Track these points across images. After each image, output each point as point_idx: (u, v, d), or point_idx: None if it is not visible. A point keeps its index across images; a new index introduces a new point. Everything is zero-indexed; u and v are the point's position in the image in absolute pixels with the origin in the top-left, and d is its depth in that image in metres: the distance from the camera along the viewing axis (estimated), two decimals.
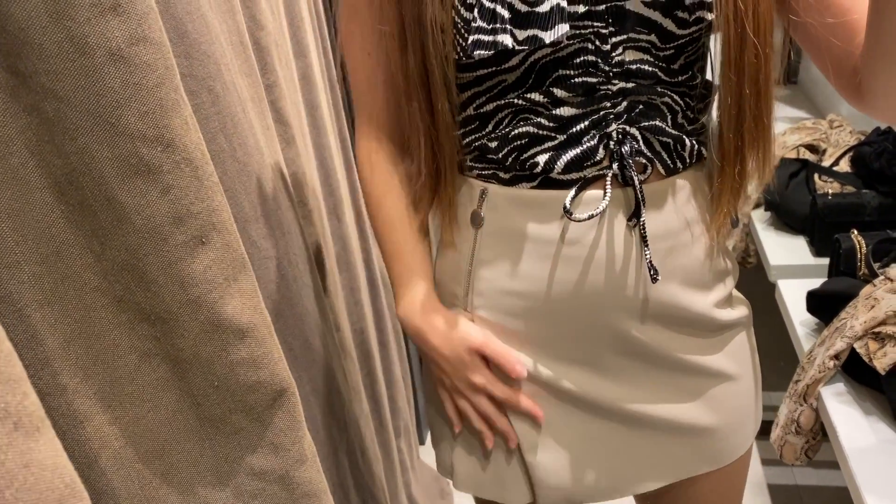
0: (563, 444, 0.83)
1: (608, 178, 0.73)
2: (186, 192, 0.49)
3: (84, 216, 0.49)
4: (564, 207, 0.72)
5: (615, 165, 0.72)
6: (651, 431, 0.84)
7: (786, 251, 1.61)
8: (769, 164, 0.79)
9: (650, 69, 0.72)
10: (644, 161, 0.74)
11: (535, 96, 0.72)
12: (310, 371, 0.99)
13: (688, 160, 0.78)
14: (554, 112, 0.72)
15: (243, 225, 0.79)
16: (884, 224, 1.56)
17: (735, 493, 0.98)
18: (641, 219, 0.73)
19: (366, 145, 0.85)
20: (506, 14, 0.67)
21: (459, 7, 0.68)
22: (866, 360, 1.24)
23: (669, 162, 0.76)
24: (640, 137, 0.73)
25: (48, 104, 0.45)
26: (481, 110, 0.76)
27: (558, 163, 0.73)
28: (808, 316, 1.47)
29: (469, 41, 0.67)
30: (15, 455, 0.34)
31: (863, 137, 1.71)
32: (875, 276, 1.39)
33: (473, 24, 0.67)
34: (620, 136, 0.72)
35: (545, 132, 0.73)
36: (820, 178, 1.66)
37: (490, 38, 0.67)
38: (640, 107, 0.73)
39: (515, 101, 0.73)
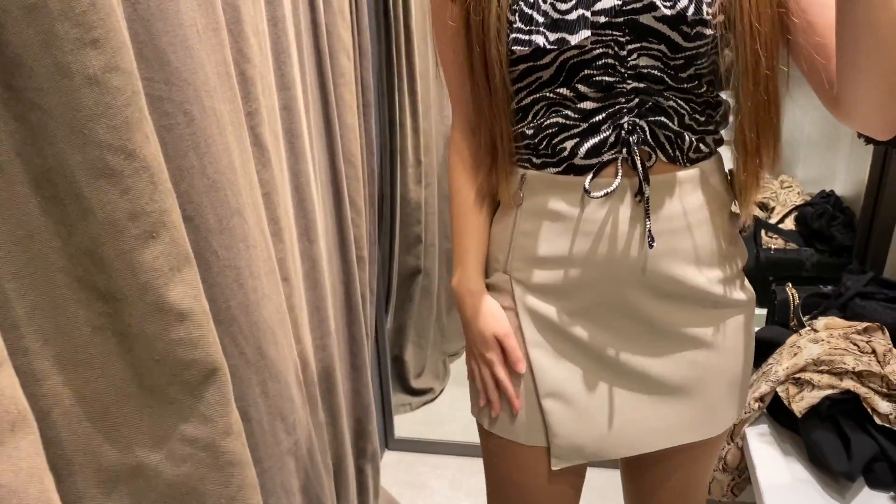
0: (577, 398, 0.97)
1: (619, 162, 0.87)
2: (142, 193, 0.60)
3: (56, 207, 0.59)
4: (584, 187, 0.88)
5: (625, 151, 0.87)
6: (650, 395, 0.98)
7: None
8: (779, 154, 0.93)
9: (659, 74, 0.86)
10: (648, 149, 0.88)
11: (564, 91, 0.87)
12: (260, 375, 1.08)
13: (687, 153, 0.92)
14: (578, 105, 0.87)
15: (206, 235, 0.90)
16: (820, 280, 1.66)
17: (707, 470, 1.13)
18: (646, 195, 0.87)
19: (454, 142, 1.03)
20: (540, 19, 0.84)
21: (506, 11, 0.85)
22: (786, 404, 1.34)
23: (671, 152, 0.90)
24: (647, 129, 0.87)
25: (33, 115, 0.57)
26: (522, 103, 0.92)
27: (581, 149, 0.88)
28: None
29: (509, 39, 0.84)
30: None
31: (808, 198, 1.83)
32: (802, 326, 1.50)
33: (514, 26, 0.84)
34: (630, 127, 0.87)
35: (571, 122, 0.88)
36: (766, 233, 1.77)
37: (526, 37, 0.84)
38: (650, 104, 0.87)
39: (548, 94, 0.89)
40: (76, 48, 0.55)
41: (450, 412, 2.34)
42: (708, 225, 0.93)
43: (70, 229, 0.60)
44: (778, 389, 1.37)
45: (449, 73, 0.99)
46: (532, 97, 0.91)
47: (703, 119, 0.92)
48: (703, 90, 0.91)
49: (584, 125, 0.88)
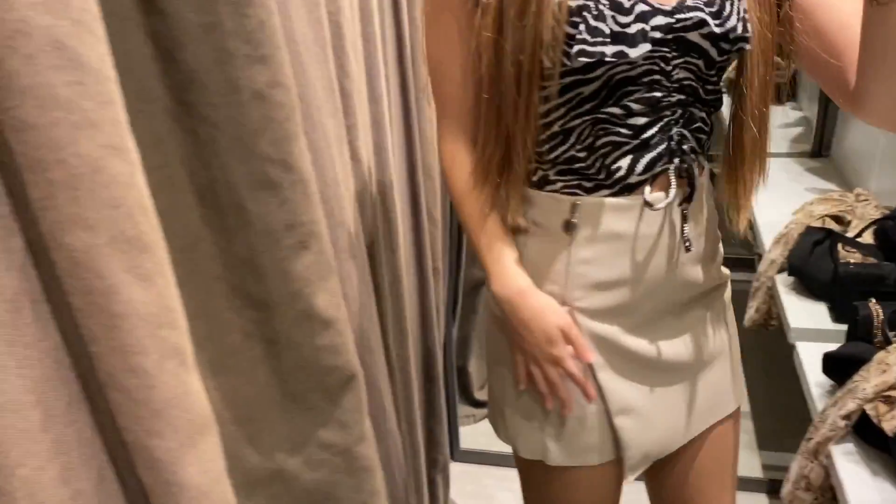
0: (641, 408, 1.01)
1: (670, 173, 0.90)
2: (298, 205, 0.62)
3: (217, 217, 0.62)
4: (645, 201, 0.90)
5: (676, 160, 0.90)
6: (690, 382, 1.04)
7: (807, 315, 1.68)
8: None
9: (694, 86, 0.89)
10: (694, 157, 0.93)
11: (614, 110, 0.87)
12: None
13: (708, 159, 0.98)
14: (628, 122, 0.88)
15: None
16: None
17: (735, 448, 1.20)
18: (693, 202, 0.92)
19: (451, 147, 0.98)
20: (606, 30, 0.83)
21: (564, 24, 0.82)
22: (875, 422, 1.31)
23: (705, 159, 0.97)
24: (691, 138, 0.91)
25: (203, 128, 0.59)
26: (567, 126, 0.90)
27: (638, 165, 0.90)
28: (824, 378, 1.54)
29: (574, 51, 0.82)
30: (179, 383, 0.46)
31: (887, 212, 1.80)
32: (889, 342, 1.47)
33: (578, 37, 0.82)
34: (679, 138, 0.90)
35: (623, 139, 0.89)
36: (843, 247, 1.74)
37: (592, 48, 0.82)
38: (688, 115, 0.91)
39: (595, 114, 0.88)
40: (246, 64, 0.57)
41: None
42: (713, 221, 1.02)
43: (229, 239, 0.62)
44: (866, 407, 1.35)
45: (448, 77, 0.94)
46: (580, 118, 0.89)
47: (712, 126, 0.98)
48: (717, 100, 0.95)
49: (636, 141, 0.89)
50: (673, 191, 0.91)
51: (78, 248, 0.41)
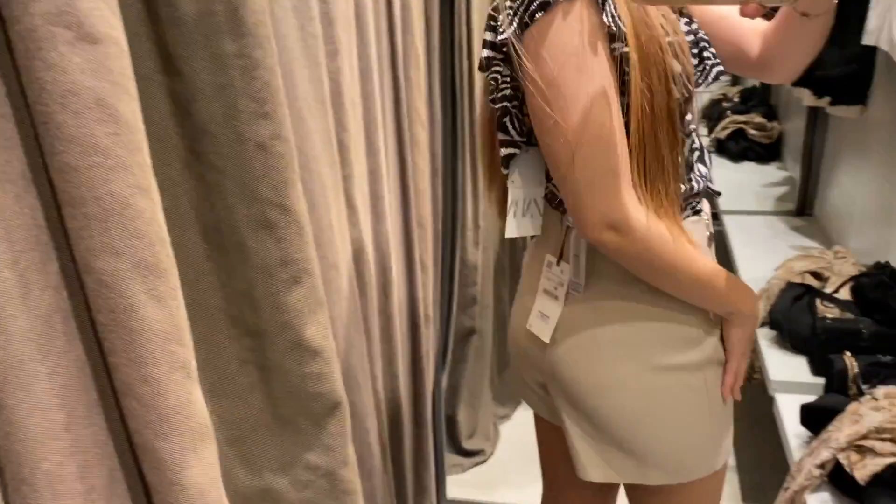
0: None
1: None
2: (292, 243, 0.70)
3: (220, 254, 0.69)
4: (717, 192, 1.10)
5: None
6: None
7: (786, 368, 1.73)
8: None
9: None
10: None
11: (693, 134, 1.04)
12: None
13: None
14: (695, 138, 1.05)
15: None
16: (878, 349, 1.69)
17: None
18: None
19: (637, 209, 0.95)
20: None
21: (692, 60, 0.97)
22: (848, 471, 1.36)
23: None
24: None
25: (210, 174, 0.67)
26: (692, 156, 1.04)
27: (710, 170, 1.10)
28: (802, 429, 1.58)
29: (713, 73, 1.00)
30: (184, 392, 0.52)
31: (864, 269, 1.87)
32: (862, 394, 1.52)
33: (709, 62, 1.00)
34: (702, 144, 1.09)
35: (700, 153, 1.06)
36: (822, 303, 1.80)
37: (720, 67, 1.01)
38: None
39: (690, 136, 1.03)
40: (251, 119, 0.66)
41: (502, 475, 2.36)
42: None
43: (229, 273, 0.70)
44: (839, 456, 1.39)
45: (616, 142, 0.92)
46: (684, 144, 1.02)
47: None
48: None
49: (699, 151, 1.06)
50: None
51: (106, 272, 0.48)
